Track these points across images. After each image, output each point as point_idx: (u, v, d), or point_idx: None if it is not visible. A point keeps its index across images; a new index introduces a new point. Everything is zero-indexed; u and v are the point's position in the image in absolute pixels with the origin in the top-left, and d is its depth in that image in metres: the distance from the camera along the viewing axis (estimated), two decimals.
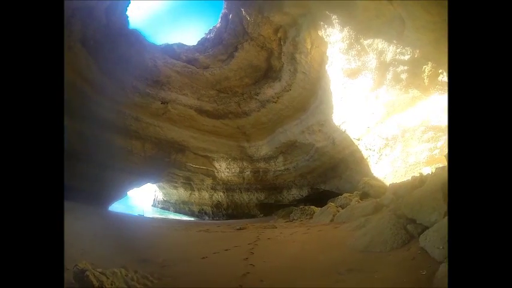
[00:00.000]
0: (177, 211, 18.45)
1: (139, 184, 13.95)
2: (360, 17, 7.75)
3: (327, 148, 11.00)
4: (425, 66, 6.86)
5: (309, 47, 10.14)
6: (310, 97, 11.19)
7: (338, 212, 7.79)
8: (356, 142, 9.59)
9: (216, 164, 14.06)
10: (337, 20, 8.55)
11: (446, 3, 5.80)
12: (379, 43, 7.81)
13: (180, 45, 12.42)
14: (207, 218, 16.41)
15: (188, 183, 15.69)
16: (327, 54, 9.85)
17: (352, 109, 9.46)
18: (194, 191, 16.21)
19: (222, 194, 15.57)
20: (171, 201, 19.09)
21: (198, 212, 16.96)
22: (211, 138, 13.14)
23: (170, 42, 12.53)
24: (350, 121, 9.60)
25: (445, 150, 6.54)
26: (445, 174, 4.29)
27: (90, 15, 9.11)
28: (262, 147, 13.49)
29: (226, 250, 5.02)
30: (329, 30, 9.02)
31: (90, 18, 9.18)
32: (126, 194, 14.47)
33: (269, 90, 12.11)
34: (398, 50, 7.37)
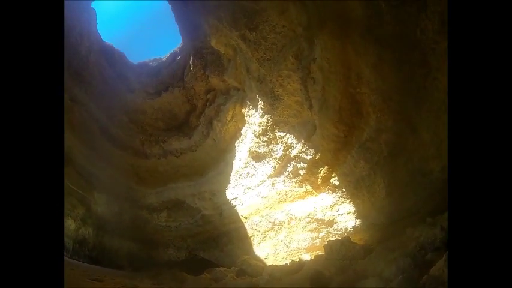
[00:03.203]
0: None
1: None
2: (281, 111, 8.84)
3: (213, 218, 10.83)
4: (322, 168, 8.12)
5: (229, 119, 10.91)
6: (211, 164, 11.38)
7: (210, 285, 7.32)
8: (243, 219, 9.83)
9: (96, 194, 11.64)
10: (262, 106, 9.64)
11: (351, 123, 7.49)
12: (290, 138, 8.86)
13: (121, 56, 11.59)
14: (65, 253, 12.32)
15: None
16: (241, 132, 10.69)
17: (247, 189, 10.04)
18: None
19: (91, 230, 12.42)
20: None
21: None
22: (102, 164, 11.21)
23: (115, 46, 11.58)
24: (242, 199, 10.01)
25: (325, 241, 7.41)
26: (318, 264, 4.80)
27: None
28: (150, 196, 12.23)
29: None
30: (252, 111, 10.07)
31: None
32: None
33: (176, 143, 11.86)
34: (303, 149, 8.49)
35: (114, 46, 11.91)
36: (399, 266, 4.15)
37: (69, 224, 12.81)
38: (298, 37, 7.32)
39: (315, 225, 8.11)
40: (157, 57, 12.57)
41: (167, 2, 10.20)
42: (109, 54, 11.48)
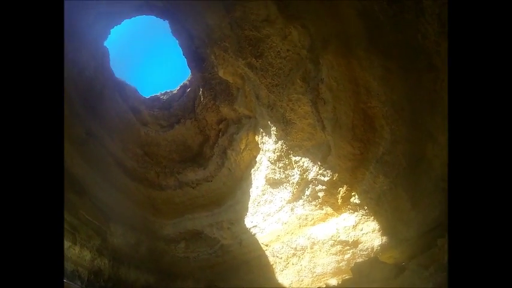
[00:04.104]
0: None
1: None
2: (295, 135, 8.89)
3: (232, 247, 10.54)
4: (341, 188, 7.92)
5: (243, 147, 10.93)
6: (228, 194, 11.28)
7: None
8: (264, 247, 9.54)
9: (112, 225, 11.60)
10: (275, 132, 9.70)
11: (366, 139, 7.39)
12: (306, 162, 8.78)
13: (133, 90, 12.02)
14: (79, 283, 12.09)
15: (72, 233, 12.00)
16: (256, 159, 10.66)
17: (266, 216, 9.82)
18: (76, 244, 12.28)
19: (107, 261, 12.21)
20: None
21: (71, 272, 12.42)
22: (118, 196, 11.26)
23: (127, 81, 12.09)
24: (261, 226, 9.77)
25: (352, 263, 7.04)
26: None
27: None
28: (167, 227, 12.06)
29: None
30: (265, 138, 10.12)
31: None
32: None
33: (191, 174, 11.88)
34: (320, 171, 8.38)
35: (126, 81, 12.42)
36: (436, 282, 3.86)
37: (85, 255, 12.58)
38: (304, 59, 7.47)
39: (339, 247, 7.75)
40: (167, 91, 12.97)
41: (173, 37, 10.70)
42: (122, 89, 11.93)
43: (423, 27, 4.45)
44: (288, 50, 7.71)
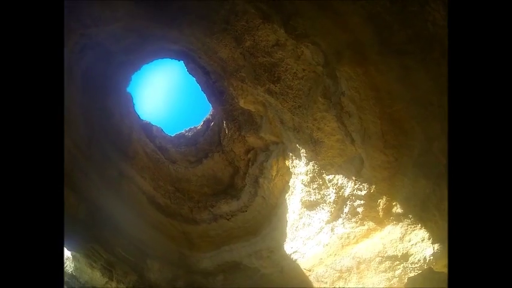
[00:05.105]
0: None
1: None
2: (325, 154, 8.73)
3: (273, 276, 10.09)
4: (380, 200, 7.51)
5: (274, 174, 10.86)
6: (264, 222, 11.07)
7: None
8: (307, 273, 9.06)
9: (149, 261, 11.66)
10: (304, 154, 9.55)
11: (399, 144, 7.08)
12: (340, 179, 8.51)
13: (159, 130, 12.65)
14: None
15: (109, 270, 12.18)
16: (289, 184, 10.48)
17: (306, 239, 9.43)
18: (112, 281, 12.40)
19: None
20: (80, 279, 14.07)
21: None
22: (153, 233, 11.45)
23: (152, 122, 12.75)
24: (302, 251, 9.36)
25: (404, 279, 6.47)
26: None
27: None
28: (204, 260, 11.88)
29: None
30: (296, 162, 10.01)
31: None
32: None
33: (225, 206, 11.87)
34: (356, 186, 8.06)
35: (151, 122, 13.12)
36: None
37: None
38: (321, 76, 7.52)
39: (388, 263, 7.18)
40: (191, 127, 13.49)
41: (190, 75, 11.28)
42: (148, 130, 12.57)
43: (430, 15, 4.42)
44: (303, 70, 7.83)
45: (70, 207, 9.63)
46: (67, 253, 14.66)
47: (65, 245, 12.08)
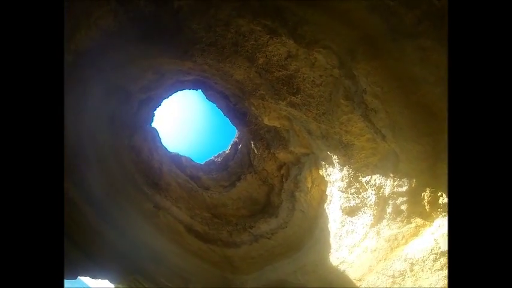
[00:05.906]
0: None
1: None
2: (357, 156, 8.45)
3: None
4: (424, 193, 7.07)
5: (310, 185, 10.68)
6: (305, 236, 10.75)
7: None
8: (357, 283, 8.53)
9: None
10: (337, 160, 9.30)
11: (432, 131, 6.72)
12: (377, 179, 8.18)
13: (188, 160, 13.00)
14: None
15: None
16: (326, 193, 10.23)
17: (352, 247, 8.98)
18: None
19: None
20: None
21: None
22: (194, 260, 11.47)
23: (180, 153, 13.15)
24: (349, 260, 8.89)
25: None
26: None
27: None
28: (248, 282, 11.59)
29: None
30: (329, 169, 9.78)
31: None
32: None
33: (264, 226, 11.73)
34: (395, 183, 7.71)
35: (179, 153, 13.53)
36: None
37: None
38: (339, 78, 7.49)
39: (443, 260, 6.62)
40: (220, 152, 13.76)
41: (210, 102, 11.69)
42: (177, 161, 12.96)
43: None
44: (320, 76, 7.84)
45: (110, 242, 10.09)
46: (110, 286, 15.02)
47: (107, 278, 12.35)
